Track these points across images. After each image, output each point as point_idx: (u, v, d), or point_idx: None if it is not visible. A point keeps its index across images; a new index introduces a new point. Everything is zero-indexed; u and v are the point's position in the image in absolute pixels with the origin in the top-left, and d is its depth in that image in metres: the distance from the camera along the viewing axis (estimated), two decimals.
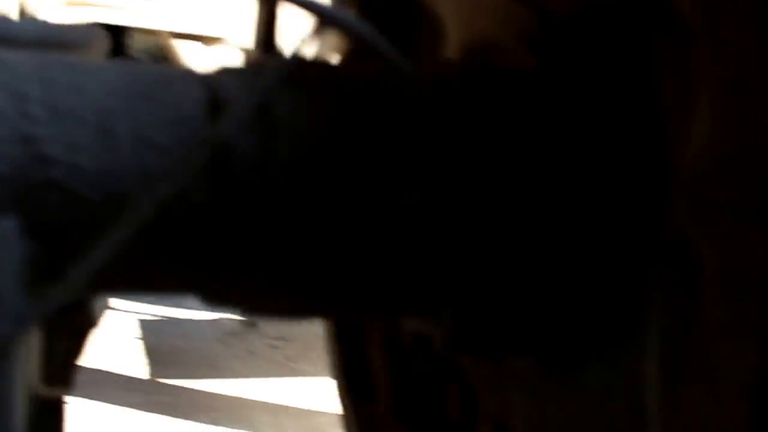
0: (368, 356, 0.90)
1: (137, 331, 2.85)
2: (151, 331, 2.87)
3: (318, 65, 0.64)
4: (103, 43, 0.75)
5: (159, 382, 2.54)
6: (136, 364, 2.62)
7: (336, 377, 0.93)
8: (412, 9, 0.84)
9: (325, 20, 0.58)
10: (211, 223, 0.57)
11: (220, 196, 0.56)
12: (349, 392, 0.90)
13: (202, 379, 2.57)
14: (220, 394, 2.50)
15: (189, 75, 0.60)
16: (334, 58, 0.88)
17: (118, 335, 2.79)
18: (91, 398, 2.35)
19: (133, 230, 0.52)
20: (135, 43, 3.54)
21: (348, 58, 0.86)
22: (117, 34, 3.19)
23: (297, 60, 0.58)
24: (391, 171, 0.59)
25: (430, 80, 0.63)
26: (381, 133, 0.59)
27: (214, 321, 2.93)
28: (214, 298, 0.60)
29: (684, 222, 0.51)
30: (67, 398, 0.69)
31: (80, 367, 0.76)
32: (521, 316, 0.62)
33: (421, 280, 0.61)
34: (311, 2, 0.58)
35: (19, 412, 0.54)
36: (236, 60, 1.94)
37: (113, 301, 2.95)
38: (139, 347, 2.75)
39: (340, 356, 0.91)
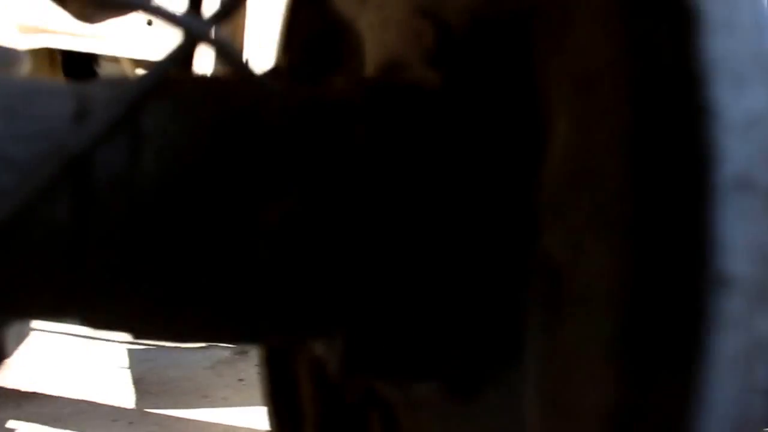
0: (297, 384, 0.87)
1: (124, 361, 2.83)
2: (139, 360, 2.85)
3: (192, 78, 0.62)
4: (21, 63, 0.74)
5: (147, 412, 2.52)
6: (123, 394, 2.61)
7: (266, 405, 0.91)
8: (340, 29, 0.83)
9: (193, 34, 0.56)
10: (75, 241, 0.54)
11: (81, 213, 0.54)
12: (277, 422, 0.88)
13: (193, 409, 2.55)
14: (212, 423, 2.48)
15: (59, 88, 0.58)
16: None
17: (104, 365, 2.78)
18: (78, 429, 2.34)
19: None
20: (100, 71, 3.52)
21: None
22: (85, 61, 3.19)
23: (168, 72, 0.56)
24: (265, 186, 0.57)
25: (321, 98, 0.62)
26: (253, 148, 0.57)
27: (204, 349, 2.91)
28: (88, 321, 0.58)
29: (546, 236, 0.49)
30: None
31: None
32: (411, 337, 0.60)
33: (309, 299, 0.59)
34: (175, 15, 0.56)
35: None
36: None
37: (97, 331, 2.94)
38: (127, 377, 2.73)
39: (269, 384, 0.89)
